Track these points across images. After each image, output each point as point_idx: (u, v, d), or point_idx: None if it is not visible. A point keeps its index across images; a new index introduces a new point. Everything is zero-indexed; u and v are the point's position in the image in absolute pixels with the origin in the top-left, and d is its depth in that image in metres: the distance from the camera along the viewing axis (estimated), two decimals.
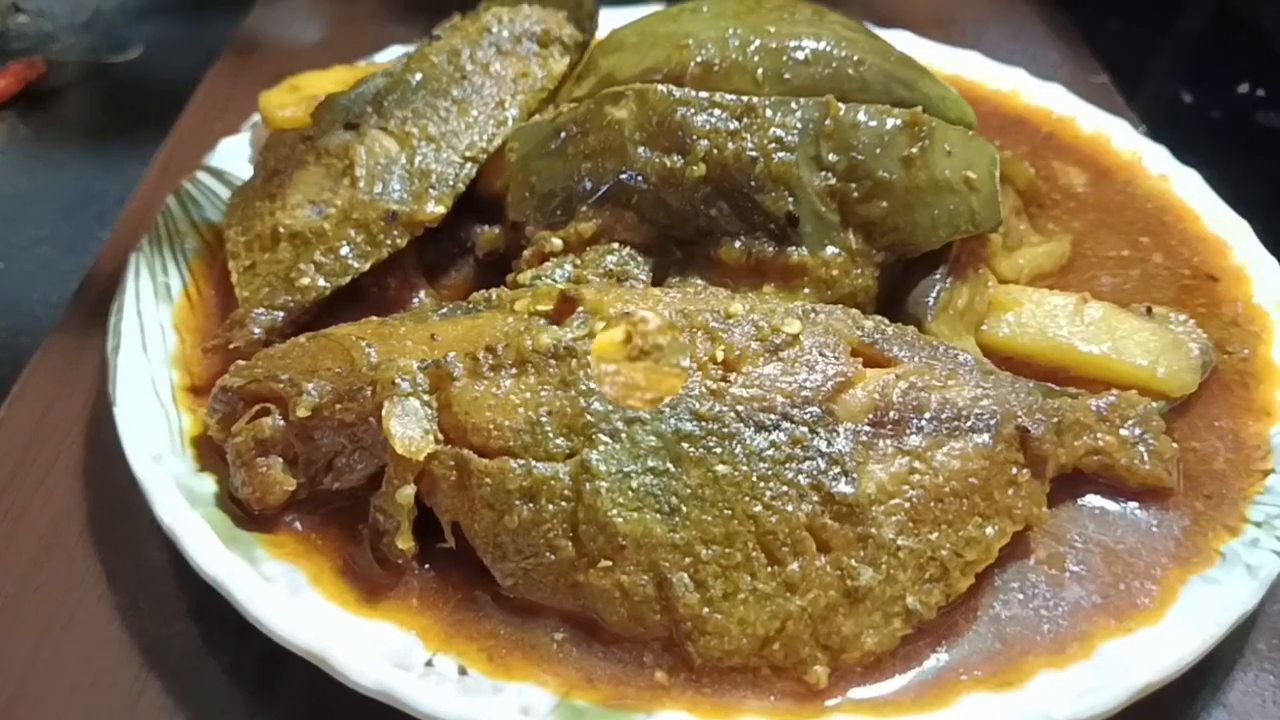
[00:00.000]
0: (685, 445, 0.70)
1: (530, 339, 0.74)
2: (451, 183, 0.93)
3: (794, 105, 0.87)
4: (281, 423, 0.75)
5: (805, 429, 0.72)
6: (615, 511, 0.68)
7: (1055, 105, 1.20)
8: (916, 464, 0.72)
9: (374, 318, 0.83)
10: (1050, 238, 1.02)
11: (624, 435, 0.70)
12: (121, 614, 0.77)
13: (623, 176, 0.87)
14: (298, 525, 0.76)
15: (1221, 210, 1.04)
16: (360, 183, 0.92)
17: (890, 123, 0.86)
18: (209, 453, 0.80)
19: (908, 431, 0.74)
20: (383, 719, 0.65)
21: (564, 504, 0.69)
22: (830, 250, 0.85)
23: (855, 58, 0.92)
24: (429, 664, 0.67)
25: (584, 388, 0.72)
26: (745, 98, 0.87)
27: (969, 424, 0.75)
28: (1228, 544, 0.75)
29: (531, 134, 0.93)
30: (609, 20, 1.09)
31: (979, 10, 1.61)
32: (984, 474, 0.73)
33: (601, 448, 0.70)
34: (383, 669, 0.66)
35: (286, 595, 0.70)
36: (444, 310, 0.83)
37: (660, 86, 0.88)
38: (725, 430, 0.71)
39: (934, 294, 0.87)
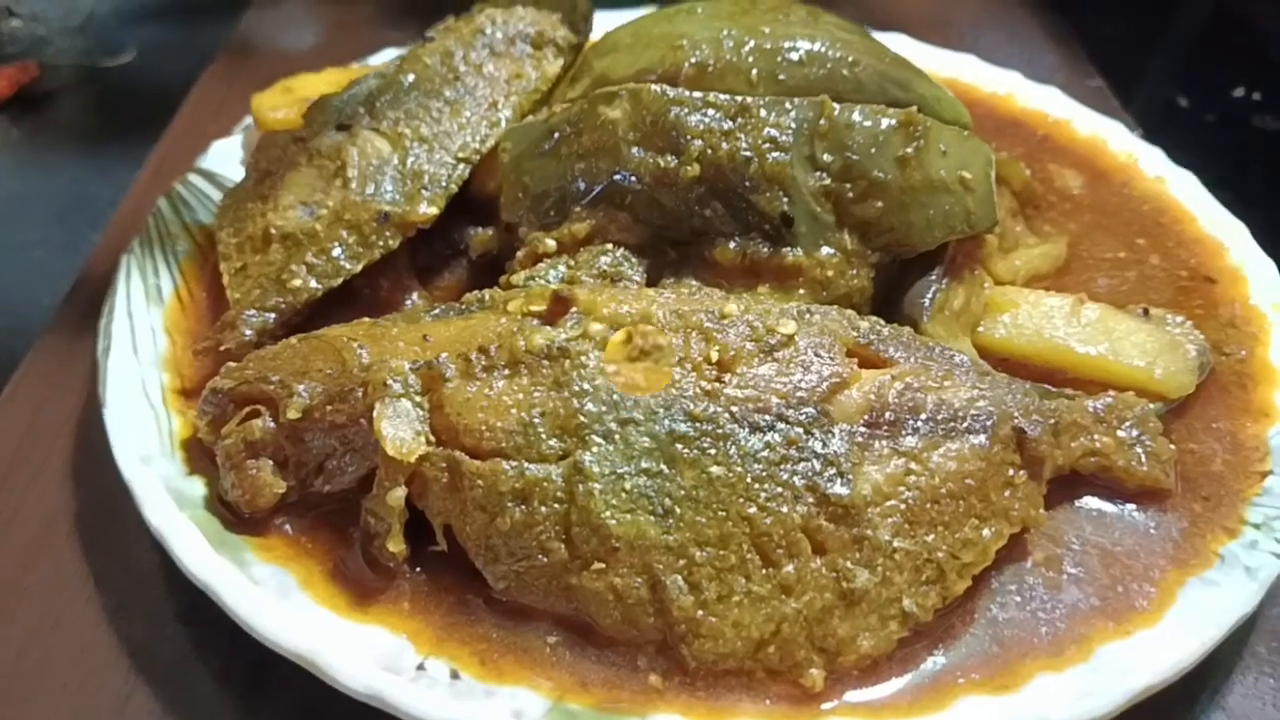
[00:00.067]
0: (679, 446, 0.70)
1: (523, 340, 0.74)
2: (444, 183, 0.93)
3: (788, 105, 0.86)
4: (272, 425, 0.75)
5: (800, 430, 0.71)
6: (609, 513, 0.68)
7: (1051, 108, 1.20)
8: (912, 465, 0.72)
9: (366, 319, 0.83)
10: (1046, 239, 1.02)
11: (617, 436, 0.70)
12: (110, 616, 0.76)
13: (616, 177, 0.86)
14: (288, 528, 0.75)
15: (1218, 212, 1.03)
16: (352, 184, 0.92)
17: (885, 123, 0.86)
18: (199, 455, 0.80)
19: (903, 433, 0.73)
20: None
21: (557, 506, 0.69)
22: (825, 251, 0.85)
23: (850, 58, 0.92)
24: (420, 668, 0.67)
25: (577, 389, 0.71)
26: (739, 97, 0.86)
27: (965, 425, 0.74)
28: (1226, 546, 0.74)
29: (525, 134, 0.93)
30: (603, 22, 1.09)
31: (975, 13, 1.61)
32: (980, 475, 0.73)
33: (595, 449, 0.69)
34: (374, 673, 0.65)
35: (276, 598, 0.70)
36: (436, 311, 0.82)
37: (654, 86, 0.87)
38: (720, 431, 0.70)
39: (930, 295, 0.86)
